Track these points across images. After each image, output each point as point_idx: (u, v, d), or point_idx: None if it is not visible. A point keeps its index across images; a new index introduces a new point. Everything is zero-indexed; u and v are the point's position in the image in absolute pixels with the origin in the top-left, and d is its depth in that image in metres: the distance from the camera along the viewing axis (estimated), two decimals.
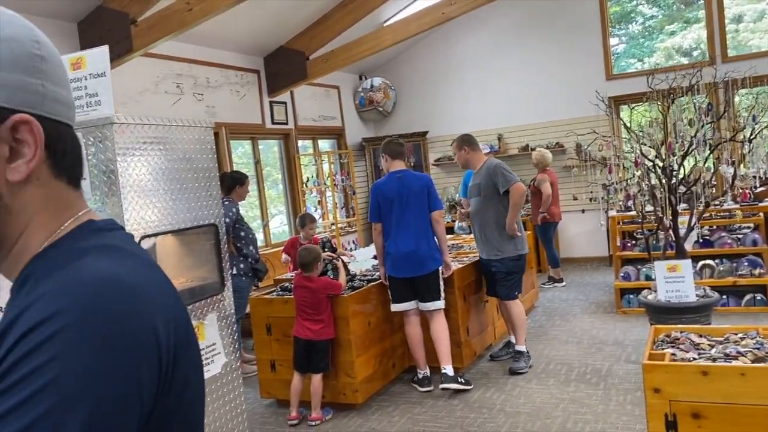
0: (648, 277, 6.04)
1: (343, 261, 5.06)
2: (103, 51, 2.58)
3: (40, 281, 0.68)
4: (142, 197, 2.80)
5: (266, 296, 4.89)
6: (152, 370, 0.67)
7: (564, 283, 7.81)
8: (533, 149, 8.56)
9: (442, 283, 4.71)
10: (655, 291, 4.65)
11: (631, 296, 6.20)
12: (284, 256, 5.93)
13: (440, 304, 4.68)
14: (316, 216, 7.59)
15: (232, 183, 5.47)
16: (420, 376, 4.76)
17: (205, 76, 7.01)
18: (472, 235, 5.58)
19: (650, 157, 4.91)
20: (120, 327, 0.64)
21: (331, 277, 4.65)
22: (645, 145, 4.92)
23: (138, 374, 0.65)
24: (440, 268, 4.70)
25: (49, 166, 0.74)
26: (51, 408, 0.58)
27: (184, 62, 6.70)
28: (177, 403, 0.72)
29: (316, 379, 4.32)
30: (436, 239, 4.73)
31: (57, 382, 0.59)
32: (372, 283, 4.84)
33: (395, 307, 4.75)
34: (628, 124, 5.11)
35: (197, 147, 3.11)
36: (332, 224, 8.63)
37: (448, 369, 4.60)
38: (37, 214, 0.74)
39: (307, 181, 8.65)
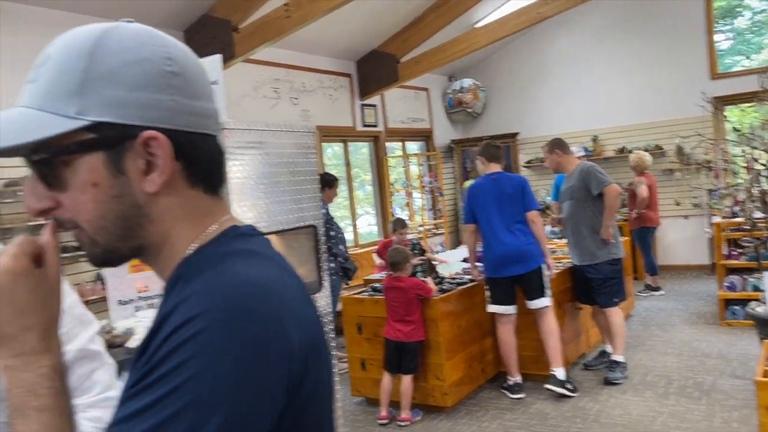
0: (756, 288, 5.68)
1: (431, 264, 5.06)
2: (216, 60, 2.72)
3: (188, 283, 0.72)
4: (246, 199, 2.92)
5: (357, 296, 4.98)
6: (283, 376, 0.68)
7: (662, 292, 7.47)
8: (630, 152, 8.24)
9: (547, 281, 4.62)
10: (765, 303, 4.38)
11: (737, 307, 5.86)
12: (378, 259, 6.02)
13: (547, 301, 4.59)
14: (404, 217, 7.66)
15: (323, 185, 5.60)
16: (510, 382, 4.69)
17: (301, 80, 7.22)
18: (564, 240, 5.45)
19: (762, 161, 4.63)
20: (257, 331, 0.66)
21: (421, 278, 4.67)
22: (756, 148, 4.65)
23: (271, 379, 0.66)
24: (543, 266, 4.61)
25: (185, 177, 0.77)
26: (186, 405, 0.61)
27: (281, 68, 6.94)
28: (304, 411, 0.73)
29: (406, 380, 4.36)
30: (534, 239, 4.65)
31: (193, 380, 0.62)
32: (462, 286, 4.82)
33: (493, 308, 4.71)
34: (738, 126, 4.84)
35: (299, 151, 3.22)
36: (420, 226, 8.66)
37: (558, 372, 4.52)
38: (178, 221, 0.78)
39: (395, 182, 8.72)
